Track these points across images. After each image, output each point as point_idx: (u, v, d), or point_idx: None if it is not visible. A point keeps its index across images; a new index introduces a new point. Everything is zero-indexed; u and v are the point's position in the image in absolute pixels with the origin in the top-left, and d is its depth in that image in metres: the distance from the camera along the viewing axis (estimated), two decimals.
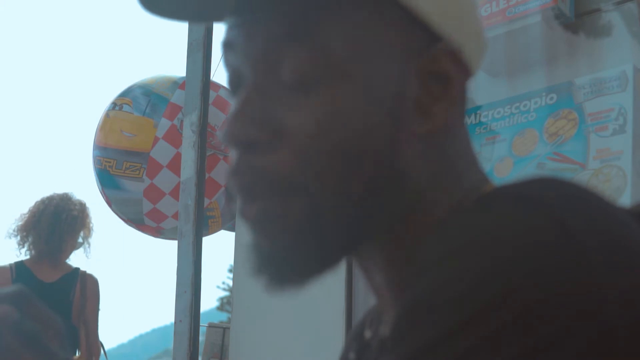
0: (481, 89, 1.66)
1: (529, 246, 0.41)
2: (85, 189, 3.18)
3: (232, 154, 0.52)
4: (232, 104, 0.53)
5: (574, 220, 0.42)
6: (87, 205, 3.11)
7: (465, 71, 0.53)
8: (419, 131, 0.51)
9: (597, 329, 0.40)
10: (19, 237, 3.01)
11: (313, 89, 0.49)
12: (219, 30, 0.55)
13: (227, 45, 0.53)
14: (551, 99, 1.54)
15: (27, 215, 3.03)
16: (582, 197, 0.45)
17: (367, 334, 0.64)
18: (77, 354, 2.99)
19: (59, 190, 3.19)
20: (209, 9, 0.54)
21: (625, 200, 1.41)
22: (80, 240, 3.06)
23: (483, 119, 1.63)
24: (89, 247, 3.08)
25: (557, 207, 0.43)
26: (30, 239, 3.00)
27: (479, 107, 1.64)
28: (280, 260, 0.51)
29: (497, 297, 0.40)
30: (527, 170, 1.54)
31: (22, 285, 0.63)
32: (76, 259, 3.13)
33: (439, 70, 0.52)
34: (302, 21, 0.50)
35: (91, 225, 3.10)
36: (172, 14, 0.55)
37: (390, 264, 0.54)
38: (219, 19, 0.54)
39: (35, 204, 3.06)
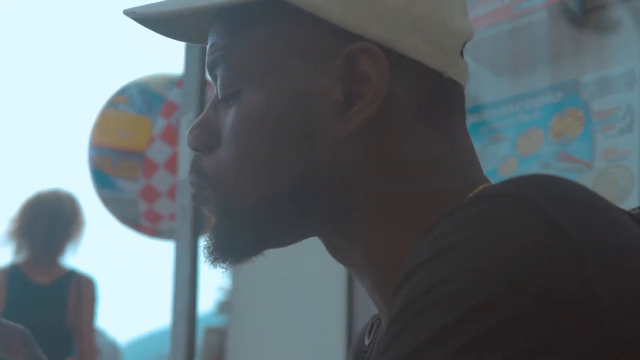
0: (484, 87, 1.64)
1: (521, 247, 0.40)
2: (81, 188, 3.17)
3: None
4: None
5: (566, 219, 0.42)
6: (76, 199, 3.08)
7: (402, 66, 0.52)
8: (339, 134, 0.52)
9: (590, 329, 0.39)
10: (15, 243, 2.99)
11: (235, 99, 0.56)
12: None
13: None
14: (556, 97, 1.53)
15: (19, 218, 3.01)
16: (575, 196, 0.44)
17: (366, 340, 0.64)
18: (72, 357, 2.98)
19: (45, 187, 3.15)
20: (189, 34, 0.63)
21: (632, 200, 1.40)
22: (73, 236, 3.03)
23: (486, 118, 1.62)
24: (79, 242, 3.06)
25: (549, 206, 0.42)
26: (25, 243, 2.98)
27: (482, 106, 1.63)
28: (214, 242, 0.58)
29: (488, 298, 0.39)
30: (531, 170, 1.53)
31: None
32: (70, 259, 3.09)
33: (356, 70, 0.52)
34: (227, 43, 0.56)
35: (82, 219, 3.07)
36: (162, 31, 0.62)
37: (371, 268, 0.55)
38: (200, 42, 0.62)
39: (25, 205, 3.02)
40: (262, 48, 0.55)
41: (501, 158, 1.61)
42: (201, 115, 0.59)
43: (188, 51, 1.96)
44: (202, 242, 0.59)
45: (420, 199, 0.53)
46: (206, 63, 0.59)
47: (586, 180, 1.44)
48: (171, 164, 2.50)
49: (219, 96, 0.57)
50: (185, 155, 1.92)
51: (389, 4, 0.53)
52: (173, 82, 2.68)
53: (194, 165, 0.58)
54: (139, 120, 2.64)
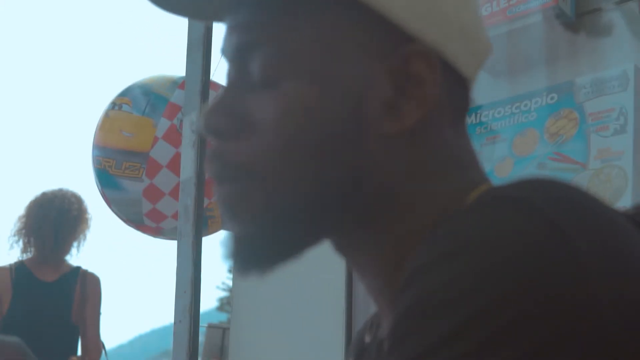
0: (481, 88, 1.66)
1: (522, 250, 0.41)
2: (85, 188, 3.18)
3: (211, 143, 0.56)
4: None
5: (567, 224, 0.42)
6: (82, 198, 3.08)
7: (445, 72, 0.53)
8: (390, 130, 0.52)
9: (590, 332, 0.40)
10: (21, 243, 2.99)
11: (278, 85, 0.52)
12: (219, 30, 0.60)
13: (221, 51, 0.57)
14: (552, 98, 1.54)
15: (25, 216, 3.01)
16: (575, 199, 0.45)
17: (367, 338, 0.64)
18: (78, 354, 2.99)
19: (51, 187, 3.16)
20: (206, 9, 0.58)
21: (626, 200, 1.41)
22: (78, 234, 3.04)
23: (483, 119, 1.63)
24: (84, 240, 3.07)
25: (550, 210, 0.43)
26: (32, 241, 2.98)
27: (479, 107, 1.64)
28: (243, 246, 0.54)
29: (491, 303, 0.40)
30: (527, 171, 1.54)
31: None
32: (75, 257, 3.11)
33: (411, 71, 0.52)
34: (270, 24, 0.53)
35: (88, 217, 3.08)
36: (175, 9, 0.59)
37: (379, 269, 0.54)
38: (216, 19, 0.59)
39: (31, 204, 3.03)
40: (315, 36, 0.52)
41: (498, 158, 1.62)
42: (218, 98, 0.55)
43: (190, 53, 1.97)
44: (231, 249, 0.54)
45: (437, 199, 0.53)
46: (233, 41, 0.55)
47: (581, 180, 1.46)
48: (174, 164, 2.50)
49: (258, 79, 0.53)
50: (188, 156, 1.92)
51: (444, 9, 0.53)
52: (176, 84, 2.68)
53: (216, 153, 0.54)
54: (142, 121, 2.64)
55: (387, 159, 0.52)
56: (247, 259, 0.54)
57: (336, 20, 0.52)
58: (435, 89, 0.52)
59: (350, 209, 0.53)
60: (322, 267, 1.89)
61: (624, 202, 1.41)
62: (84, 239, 3.07)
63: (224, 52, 0.56)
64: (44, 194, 3.04)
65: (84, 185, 3.13)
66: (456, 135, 0.55)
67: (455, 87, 0.55)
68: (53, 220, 2.95)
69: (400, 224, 0.53)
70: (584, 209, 0.44)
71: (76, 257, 3.09)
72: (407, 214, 0.53)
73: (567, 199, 0.44)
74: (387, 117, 0.52)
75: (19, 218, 3.02)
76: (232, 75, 0.55)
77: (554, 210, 0.43)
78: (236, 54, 0.55)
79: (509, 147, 1.59)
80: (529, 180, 0.46)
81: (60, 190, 3.07)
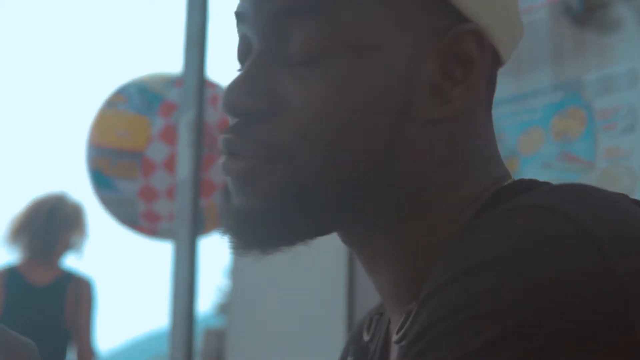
0: None
1: (558, 267, 0.39)
2: (79, 189, 3.16)
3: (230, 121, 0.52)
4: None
5: (604, 237, 0.40)
6: (84, 208, 3.08)
7: (492, 56, 0.51)
8: (435, 115, 0.49)
9: (626, 353, 0.38)
10: (13, 244, 2.99)
11: (321, 63, 0.48)
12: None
13: (238, 15, 0.51)
14: (558, 96, 1.53)
15: (20, 217, 3.02)
16: (609, 207, 0.43)
17: (365, 336, 0.62)
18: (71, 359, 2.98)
19: (52, 190, 3.16)
20: None
21: None
22: (73, 241, 3.03)
23: None
24: (82, 250, 3.06)
25: (589, 223, 0.41)
26: (23, 244, 2.98)
27: None
28: (250, 221, 0.50)
29: (522, 322, 0.38)
30: (533, 170, 1.53)
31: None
32: (68, 261, 3.10)
33: (461, 52, 0.49)
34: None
35: (85, 228, 3.08)
36: None
37: (397, 265, 0.52)
38: None
39: (29, 205, 3.04)
40: (365, 13, 0.49)
41: (503, 157, 1.60)
42: (243, 74, 0.50)
43: (187, 50, 1.96)
44: (233, 223, 0.51)
45: (464, 191, 0.51)
46: (267, 4, 0.49)
47: (588, 180, 1.44)
48: (170, 164, 2.49)
49: (296, 52, 0.49)
50: (185, 156, 1.91)
51: None
52: (172, 82, 2.68)
53: (244, 131, 0.50)
54: (137, 119, 2.63)
55: (426, 146, 0.49)
56: (251, 235, 0.51)
57: None
58: (486, 70, 0.50)
59: (378, 200, 0.50)
60: (322, 268, 1.87)
61: None
62: (81, 247, 3.06)
63: (245, 16, 0.51)
64: (44, 198, 3.05)
65: (78, 185, 3.11)
66: (490, 125, 0.53)
67: (494, 73, 0.53)
68: (43, 223, 2.95)
69: (425, 210, 0.50)
70: (619, 218, 0.42)
71: (71, 260, 3.08)
72: (434, 207, 0.50)
73: (601, 208, 0.42)
74: (433, 101, 0.49)
75: (12, 220, 3.03)
76: (259, 46, 0.50)
77: (590, 221, 0.41)
78: (270, 21, 0.49)
79: (514, 145, 1.58)
80: (559, 187, 0.44)
81: (56, 194, 3.08)
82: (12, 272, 2.94)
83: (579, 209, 0.42)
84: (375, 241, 0.52)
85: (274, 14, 0.49)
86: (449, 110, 0.50)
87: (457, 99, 0.50)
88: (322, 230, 0.52)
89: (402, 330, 0.50)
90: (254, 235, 0.50)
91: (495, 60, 0.52)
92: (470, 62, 0.50)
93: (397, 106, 0.49)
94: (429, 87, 0.49)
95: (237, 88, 0.50)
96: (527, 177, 0.54)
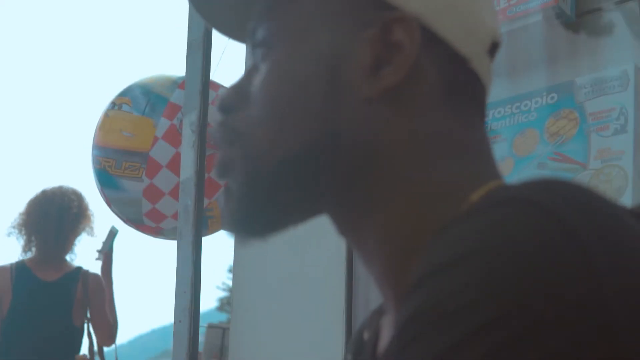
0: None
1: (535, 255, 0.40)
2: (85, 188, 3.17)
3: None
4: None
5: (581, 227, 0.41)
6: (83, 194, 3.08)
7: (435, 45, 0.54)
8: (366, 92, 0.53)
9: (603, 340, 0.39)
10: (23, 240, 2.98)
11: (269, 54, 0.56)
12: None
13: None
14: (552, 98, 1.54)
15: (26, 215, 3.00)
16: (586, 200, 0.44)
17: (366, 335, 0.64)
18: (79, 354, 2.98)
19: (53, 185, 3.15)
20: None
21: (626, 200, 1.41)
22: (82, 228, 3.03)
23: None
24: (92, 231, 3.06)
25: (563, 213, 0.42)
26: (34, 240, 2.97)
27: None
28: (235, 211, 0.56)
29: (505, 310, 0.39)
30: (528, 170, 1.54)
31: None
32: (75, 258, 3.10)
33: (391, 38, 0.54)
34: (268, 7, 0.57)
35: (90, 213, 3.07)
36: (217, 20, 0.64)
37: (382, 245, 0.54)
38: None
39: (32, 202, 3.02)
40: (304, 7, 0.56)
41: (498, 158, 1.61)
42: (237, 79, 0.59)
43: (190, 53, 1.97)
44: (226, 217, 0.57)
45: (435, 178, 0.53)
46: (250, 30, 0.59)
47: (581, 180, 1.46)
48: (174, 164, 2.50)
49: (258, 50, 0.57)
50: (188, 156, 1.92)
51: None
52: (176, 84, 2.69)
53: (223, 121, 0.57)
54: (142, 121, 2.64)
55: (368, 120, 0.54)
56: (238, 222, 0.56)
57: None
58: (414, 54, 0.53)
59: (329, 173, 0.54)
60: (323, 266, 1.89)
61: (624, 202, 1.41)
62: (90, 233, 3.07)
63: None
64: (44, 192, 3.03)
65: (84, 185, 3.13)
66: (454, 116, 0.55)
67: (450, 64, 0.55)
68: (54, 219, 2.94)
69: (391, 193, 0.53)
70: (596, 210, 0.43)
71: (77, 255, 3.08)
72: (397, 183, 0.53)
73: (578, 201, 0.44)
74: (364, 81, 0.54)
75: (20, 214, 3.01)
76: (250, 59, 0.59)
77: (567, 213, 0.42)
78: (249, 39, 0.58)
79: (509, 147, 1.59)
80: (539, 181, 0.45)
81: (60, 187, 3.07)
82: (21, 268, 2.93)
83: (555, 200, 0.43)
84: (359, 228, 0.55)
85: (250, 33, 0.58)
86: (379, 87, 0.53)
87: (387, 77, 0.53)
88: (296, 209, 0.56)
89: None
90: (238, 224, 0.56)
91: (448, 52, 0.55)
92: (399, 48, 0.53)
93: (328, 86, 0.54)
94: (360, 70, 0.54)
95: (226, 91, 0.58)
96: (522, 177, 0.54)
